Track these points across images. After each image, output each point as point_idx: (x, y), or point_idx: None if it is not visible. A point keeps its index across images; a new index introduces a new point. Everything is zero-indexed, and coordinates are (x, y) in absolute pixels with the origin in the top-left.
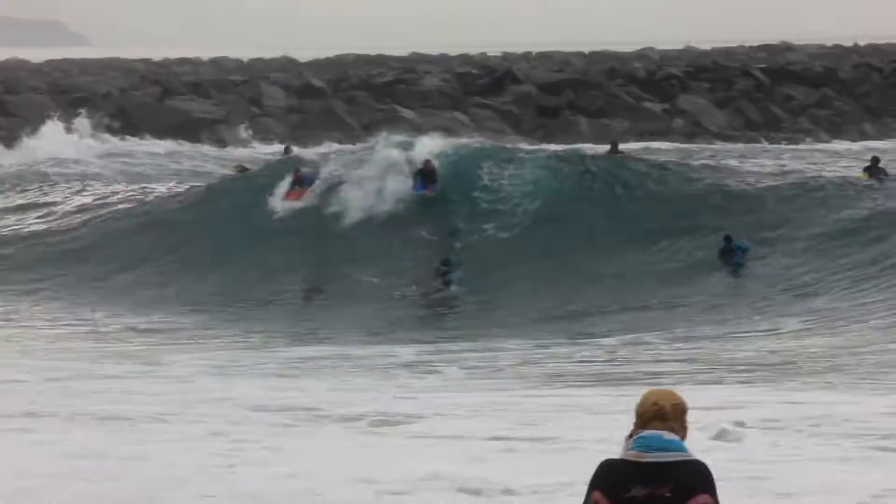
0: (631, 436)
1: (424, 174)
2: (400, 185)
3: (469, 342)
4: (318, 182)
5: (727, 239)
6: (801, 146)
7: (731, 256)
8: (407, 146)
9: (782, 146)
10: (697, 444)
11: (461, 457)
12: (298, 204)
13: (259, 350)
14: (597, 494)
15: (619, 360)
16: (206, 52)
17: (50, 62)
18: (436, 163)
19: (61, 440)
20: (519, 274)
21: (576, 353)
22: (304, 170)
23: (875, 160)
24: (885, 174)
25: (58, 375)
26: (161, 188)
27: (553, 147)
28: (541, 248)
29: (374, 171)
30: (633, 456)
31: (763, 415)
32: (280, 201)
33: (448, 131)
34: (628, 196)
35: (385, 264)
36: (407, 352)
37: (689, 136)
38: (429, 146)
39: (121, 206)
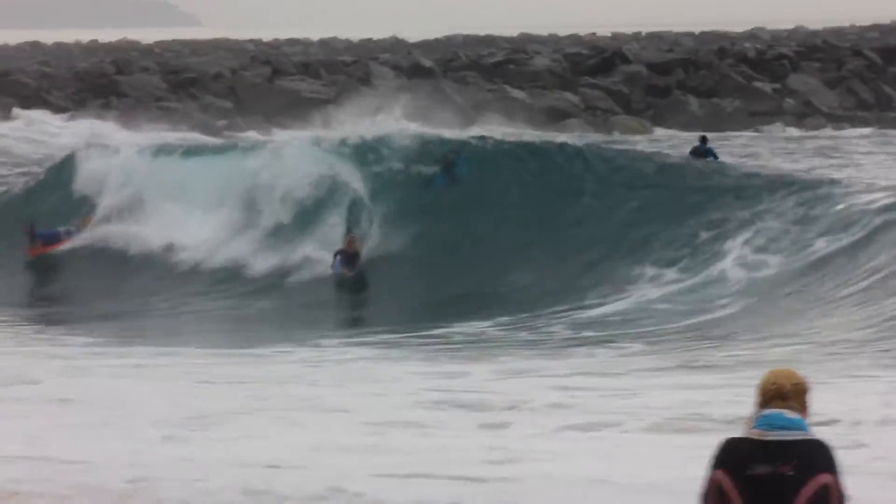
0: (753, 415)
1: (346, 253)
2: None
3: None
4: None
5: (703, 140)
6: None
7: (704, 157)
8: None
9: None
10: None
11: None
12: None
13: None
14: (719, 473)
15: None
16: (315, 33)
17: (160, 43)
18: (359, 244)
19: None
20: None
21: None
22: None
23: None
24: None
25: None
26: None
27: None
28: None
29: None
30: (755, 434)
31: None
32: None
33: (558, 111)
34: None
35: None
36: None
37: (800, 116)
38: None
39: None
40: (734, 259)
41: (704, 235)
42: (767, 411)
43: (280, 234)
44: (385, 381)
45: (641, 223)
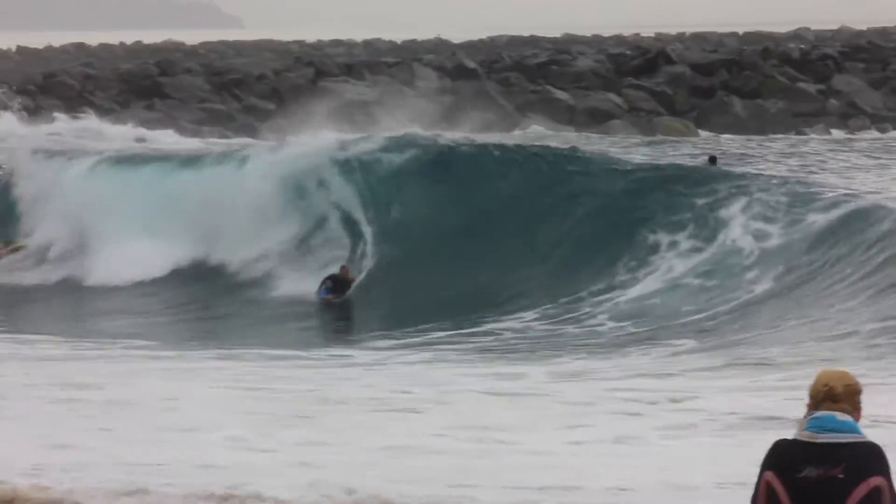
0: (805, 416)
1: (336, 280)
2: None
3: None
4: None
5: (712, 160)
6: None
7: None
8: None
9: None
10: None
11: None
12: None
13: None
14: (769, 474)
15: None
16: (359, 34)
17: (205, 44)
18: (354, 273)
19: None
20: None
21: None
22: None
23: None
24: None
25: None
26: None
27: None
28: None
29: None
30: (805, 436)
31: None
32: None
33: (602, 112)
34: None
35: None
36: None
37: (844, 117)
38: None
39: None
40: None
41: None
42: (819, 413)
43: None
44: (448, 383)
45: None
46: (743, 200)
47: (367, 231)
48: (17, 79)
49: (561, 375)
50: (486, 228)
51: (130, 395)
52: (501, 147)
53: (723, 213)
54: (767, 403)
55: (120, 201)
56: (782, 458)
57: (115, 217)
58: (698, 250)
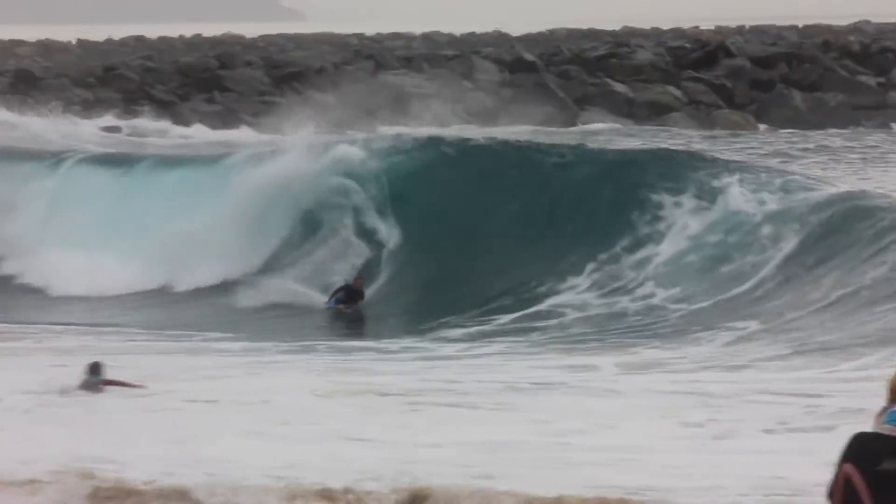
0: (883, 410)
1: (350, 291)
2: None
3: None
4: None
5: None
6: None
7: None
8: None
9: None
10: None
11: None
12: None
13: None
14: (848, 467)
15: None
16: (418, 27)
17: (264, 37)
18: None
19: None
20: None
21: None
22: None
23: None
24: None
25: None
26: None
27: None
28: None
29: None
30: (886, 430)
31: None
32: None
33: (661, 105)
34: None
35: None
36: None
37: None
38: None
39: None
40: None
41: None
42: None
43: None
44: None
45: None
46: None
47: (383, 229)
48: (78, 72)
49: (633, 367)
50: (504, 214)
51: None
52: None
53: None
54: (842, 395)
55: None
56: (861, 450)
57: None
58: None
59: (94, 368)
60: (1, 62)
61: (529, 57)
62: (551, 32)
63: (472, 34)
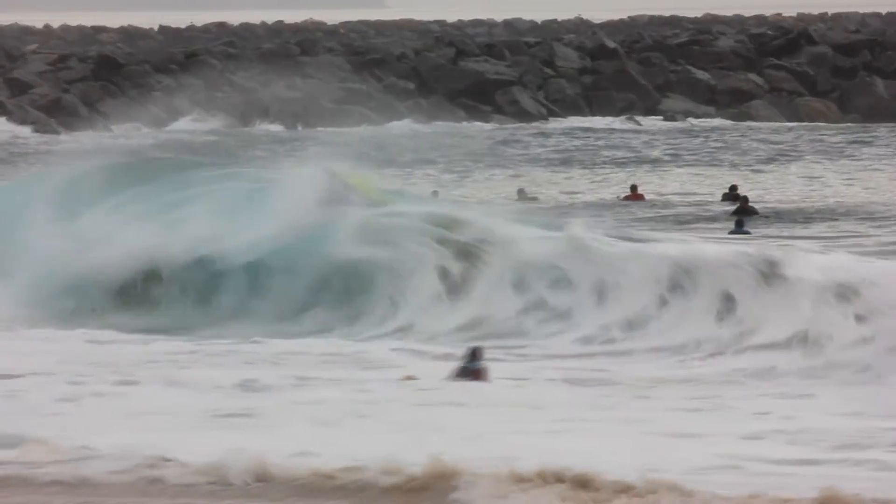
0: None
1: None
2: None
3: None
4: None
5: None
6: None
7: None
8: None
9: None
10: None
11: None
12: None
13: None
14: None
15: None
16: (499, 14)
17: (345, 23)
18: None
19: None
20: None
21: None
22: None
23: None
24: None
25: None
26: None
27: None
28: None
29: None
30: None
31: None
32: None
33: (742, 93)
34: None
35: None
36: None
37: None
38: None
39: None
40: None
41: None
42: None
43: None
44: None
45: None
46: None
47: None
48: (159, 58)
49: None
50: None
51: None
52: None
53: None
54: None
55: None
56: None
57: None
58: None
59: (475, 354)
60: (83, 48)
61: (611, 44)
62: (633, 19)
63: (554, 21)
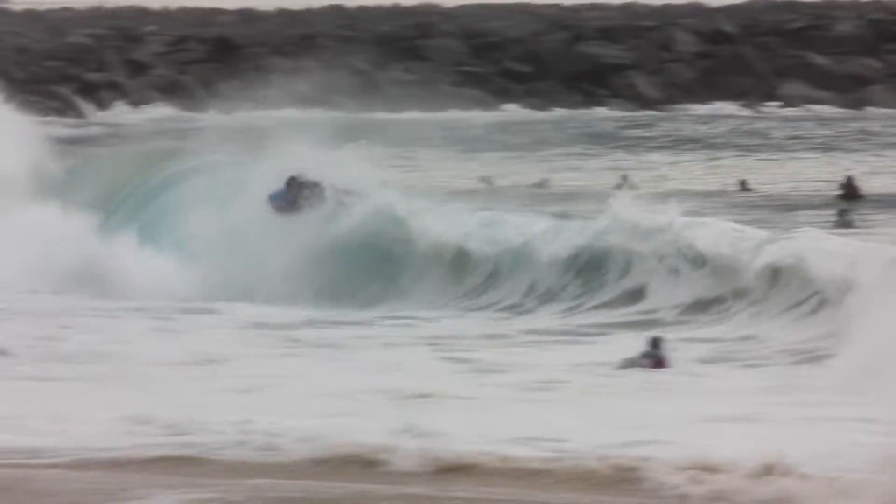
0: None
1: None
2: None
3: None
4: None
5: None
6: None
7: None
8: None
9: None
10: None
11: None
12: None
13: None
14: None
15: None
16: None
17: (462, 7)
18: None
19: None
20: None
21: None
22: None
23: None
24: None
25: None
26: None
27: None
28: None
29: None
30: None
31: None
32: None
33: (860, 78)
34: None
35: None
36: None
37: None
38: None
39: None
40: None
41: None
42: None
43: None
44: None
45: None
46: None
47: None
48: (276, 40)
49: None
50: None
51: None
52: None
53: None
54: None
55: None
56: None
57: None
58: None
59: (656, 343)
60: (201, 30)
61: (728, 28)
62: (750, 4)
63: (670, 5)
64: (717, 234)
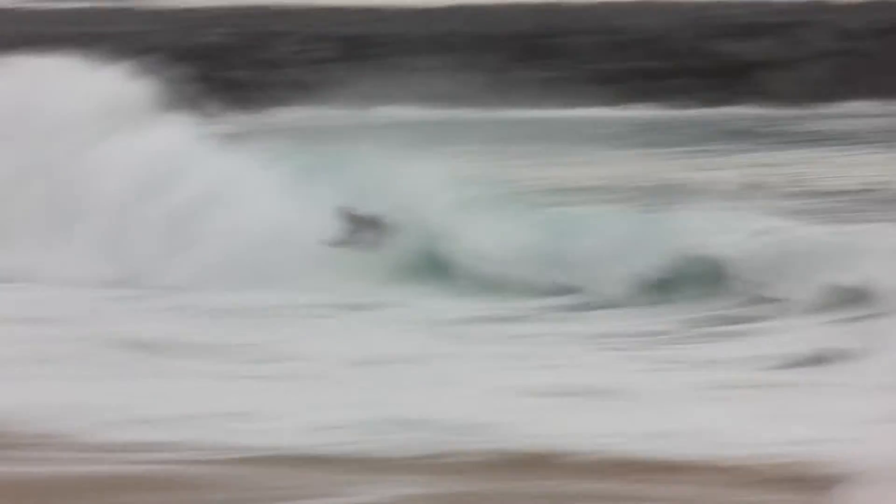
0: None
1: None
2: None
3: None
4: None
5: None
6: None
7: None
8: None
9: None
10: None
11: None
12: None
13: None
14: None
15: None
16: None
17: (590, 5)
18: None
19: None
20: None
21: None
22: None
23: None
24: None
25: None
26: None
27: None
28: None
29: None
30: None
31: None
32: None
33: None
34: None
35: None
36: None
37: None
38: None
39: None
40: None
41: None
42: None
43: None
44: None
45: None
46: None
47: None
48: (410, 39)
49: None
50: None
51: None
52: None
53: None
54: None
55: None
56: None
57: None
58: None
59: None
60: (334, 28)
61: (866, 26)
62: (888, 1)
63: (805, 3)
64: None
